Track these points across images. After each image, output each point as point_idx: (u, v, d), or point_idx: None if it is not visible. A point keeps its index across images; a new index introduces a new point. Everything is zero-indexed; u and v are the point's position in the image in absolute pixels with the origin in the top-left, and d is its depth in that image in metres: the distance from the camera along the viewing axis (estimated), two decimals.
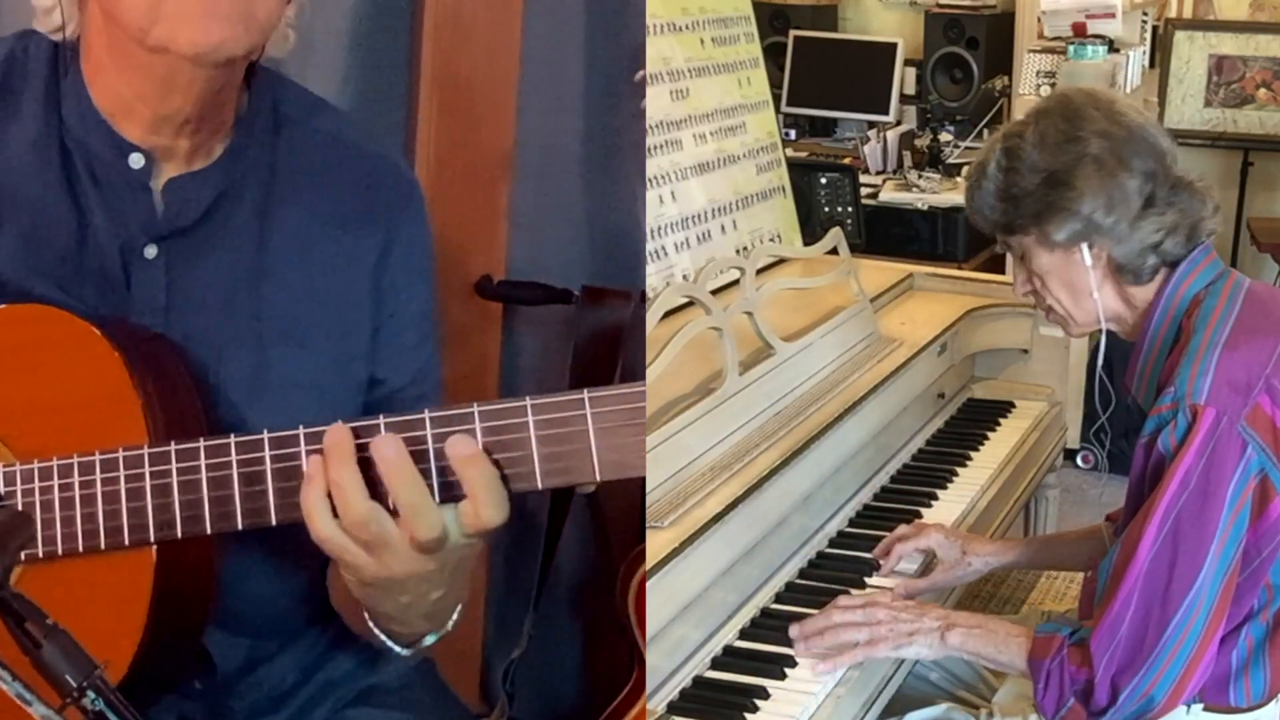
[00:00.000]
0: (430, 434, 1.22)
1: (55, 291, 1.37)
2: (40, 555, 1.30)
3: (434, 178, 2.15)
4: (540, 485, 1.21)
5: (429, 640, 1.40)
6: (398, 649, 1.40)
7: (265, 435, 1.25)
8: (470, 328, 2.22)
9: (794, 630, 1.68)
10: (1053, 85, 4.04)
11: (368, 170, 1.52)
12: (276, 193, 1.46)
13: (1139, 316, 1.66)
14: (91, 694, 1.03)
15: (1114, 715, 1.53)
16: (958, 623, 1.66)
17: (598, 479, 1.19)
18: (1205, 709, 1.61)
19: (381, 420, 1.23)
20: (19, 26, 1.47)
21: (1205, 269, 1.63)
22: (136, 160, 1.38)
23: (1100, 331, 1.70)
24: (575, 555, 2.36)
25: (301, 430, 1.25)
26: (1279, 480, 1.51)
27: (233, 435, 1.27)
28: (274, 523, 1.26)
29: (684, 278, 2.13)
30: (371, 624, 1.37)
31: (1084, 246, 1.62)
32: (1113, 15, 3.92)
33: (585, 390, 1.20)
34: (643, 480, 1.63)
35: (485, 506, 1.20)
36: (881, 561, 1.90)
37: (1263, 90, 4.55)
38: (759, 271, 2.15)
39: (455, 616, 1.39)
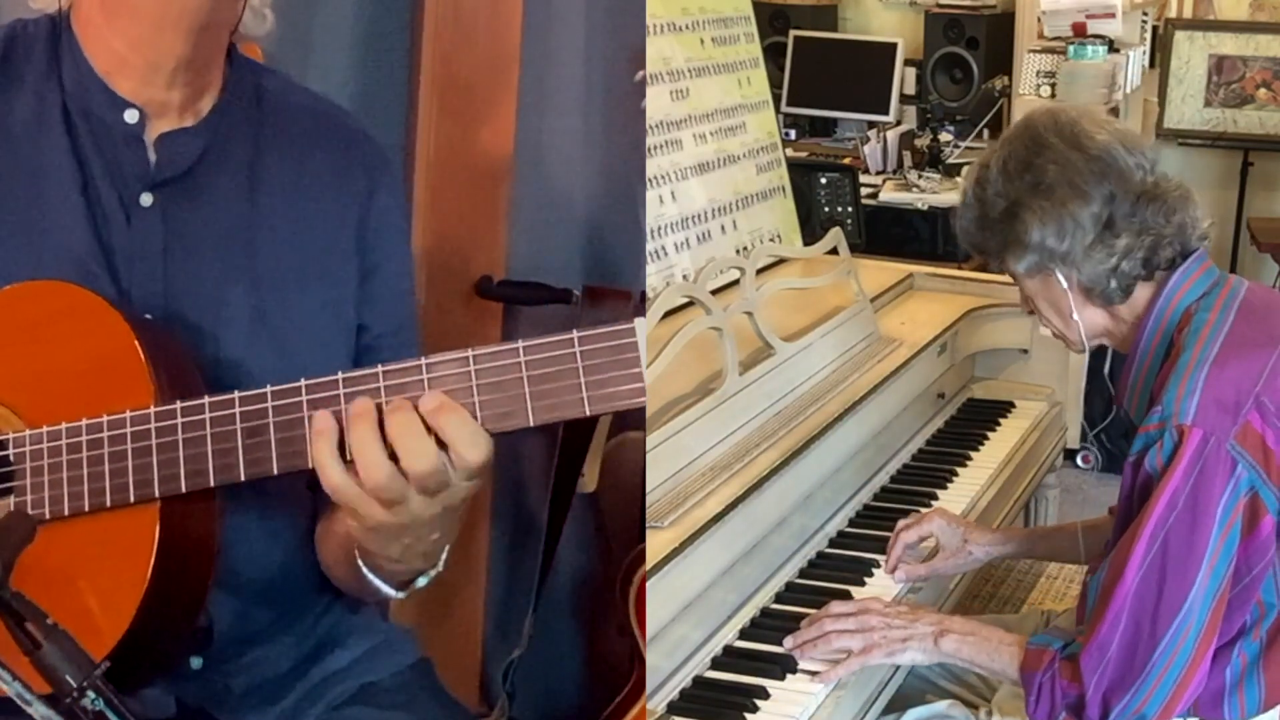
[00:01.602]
0: (426, 379, 1.26)
1: (67, 246, 1.45)
2: (47, 517, 1.34)
3: (434, 178, 2.15)
4: (531, 422, 1.26)
5: (421, 582, 1.44)
6: (392, 591, 1.44)
7: (268, 389, 1.30)
8: (470, 327, 2.22)
9: (788, 641, 1.68)
10: (1053, 85, 4.05)
11: (346, 138, 1.63)
12: (263, 150, 1.56)
13: (1130, 329, 1.66)
14: (91, 694, 1.03)
15: None
16: (951, 629, 1.66)
17: (587, 413, 1.25)
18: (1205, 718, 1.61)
19: (380, 369, 1.27)
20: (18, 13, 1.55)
21: (1199, 280, 1.62)
22: (131, 115, 1.48)
23: (1099, 343, 1.71)
24: (575, 555, 2.36)
25: (303, 382, 1.29)
26: (1269, 498, 1.51)
27: (236, 392, 1.31)
28: (275, 471, 1.30)
29: (684, 278, 2.13)
30: (366, 570, 1.41)
31: (1053, 273, 1.62)
32: (1113, 15, 3.92)
33: (575, 331, 1.26)
34: (643, 480, 1.64)
35: (463, 449, 1.25)
36: (884, 561, 1.90)
37: (1263, 90, 4.55)
38: (759, 271, 2.15)
39: (445, 556, 1.43)
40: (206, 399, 1.32)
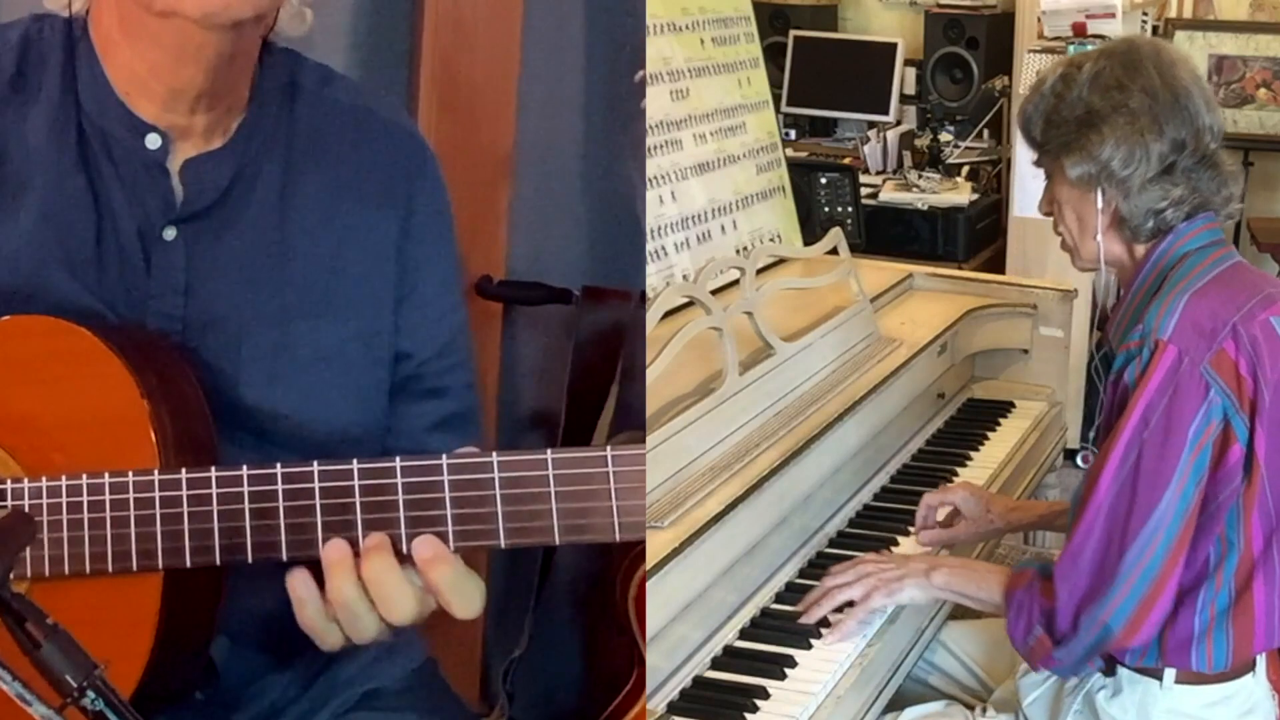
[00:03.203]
0: (447, 480, 1.21)
1: (72, 280, 1.36)
2: (47, 574, 1.29)
3: None
4: (558, 541, 1.20)
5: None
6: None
7: (279, 469, 1.25)
8: (471, 327, 2.22)
9: (800, 607, 1.74)
10: None
11: (386, 139, 1.52)
12: (295, 166, 1.45)
13: (1135, 267, 1.69)
14: (91, 694, 1.03)
15: (1074, 644, 1.57)
16: (942, 564, 1.74)
17: (617, 539, 1.19)
18: (1178, 681, 1.63)
19: (398, 462, 1.22)
20: (21, 13, 1.47)
21: (1204, 233, 1.65)
22: (153, 140, 1.38)
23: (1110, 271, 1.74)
24: (575, 555, 2.35)
25: (316, 466, 1.24)
26: (1239, 426, 1.54)
27: (245, 467, 1.26)
28: (285, 558, 1.25)
29: (684, 278, 2.13)
30: None
31: (1097, 191, 1.64)
32: (1113, 15, 3.92)
33: (609, 447, 1.19)
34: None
35: (454, 605, 1.23)
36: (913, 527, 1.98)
37: (1263, 90, 4.55)
38: (759, 271, 2.14)
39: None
40: (214, 471, 1.25)
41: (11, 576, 1.06)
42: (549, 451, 1.19)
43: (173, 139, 1.39)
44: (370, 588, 1.22)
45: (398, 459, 1.22)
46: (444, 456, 1.21)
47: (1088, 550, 1.55)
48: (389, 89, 2.15)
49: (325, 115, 1.48)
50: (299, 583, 1.24)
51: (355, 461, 1.23)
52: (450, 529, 1.22)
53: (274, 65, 1.46)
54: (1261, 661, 1.68)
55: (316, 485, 1.23)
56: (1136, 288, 1.67)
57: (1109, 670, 1.66)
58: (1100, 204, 1.64)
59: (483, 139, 2.21)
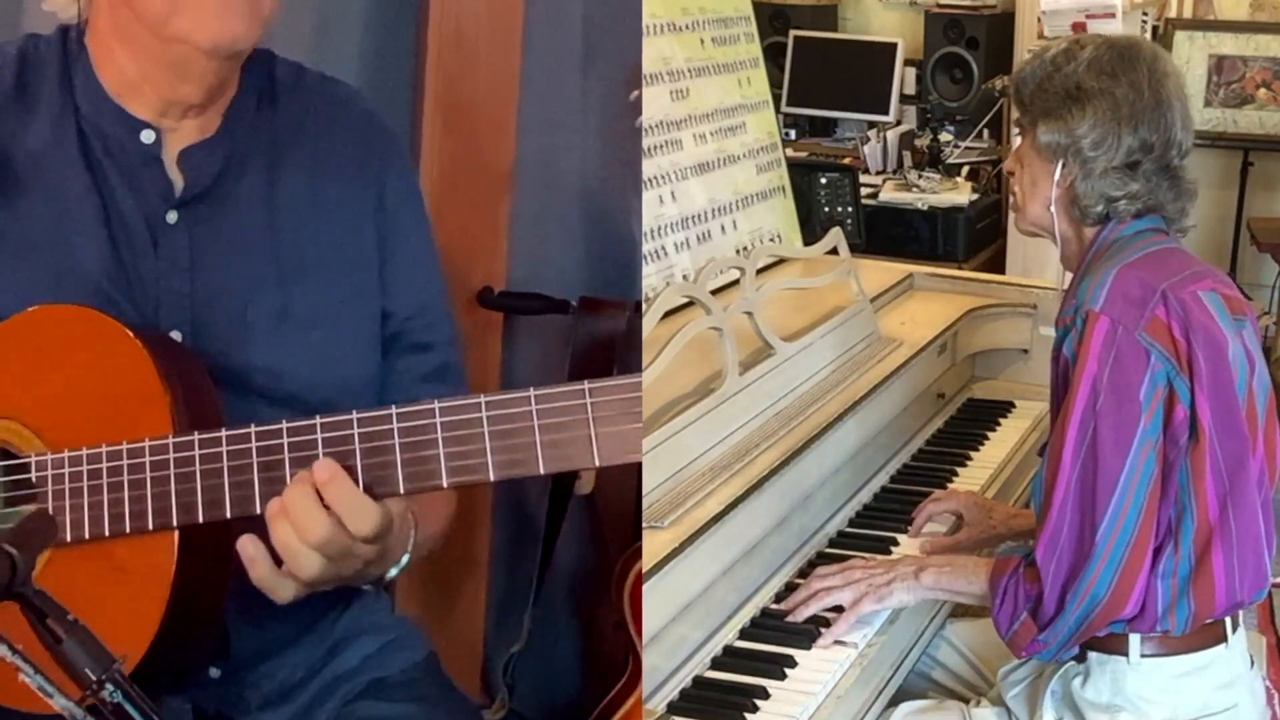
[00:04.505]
0: (439, 422, 1.28)
1: (88, 270, 1.45)
2: (68, 539, 1.36)
3: (438, 193, 2.18)
4: (542, 471, 1.27)
5: (393, 573, 1.48)
6: (366, 586, 1.49)
7: (284, 425, 1.32)
8: (472, 336, 2.24)
9: (786, 605, 1.75)
10: None
11: (356, 124, 1.64)
12: (279, 151, 1.56)
13: (1082, 250, 1.73)
14: (110, 687, 1.06)
15: (1062, 622, 1.59)
16: (929, 563, 1.75)
17: (597, 464, 1.26)
18: (1144, 655, 1.64)
19: (394, 410, 1.29)
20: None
21: (1144, 220, 1.69)
22: (147, 136, 1.49)
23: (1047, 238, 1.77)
24: (573, 553, 2.37)
25: (318, 420, 1.31)
26: (1181, 388, 1.58)
27: (253, 425, 1.33)
28: None
29: (684, 278, 2.14)
30: None
31: (1059, 163, 1.69)
32: (1113, 15, 3.93)
33: (585, 381, 1.26)
34: (638, 478, 1.65)
35: (348, 521, 1.29)
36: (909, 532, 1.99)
37: (1263, 90, 4.56)
38: (759, 271, 2.15)
39: (408, 553, 1.47)
40: (224, 432, 1.33)
41: None
42: (531, 390, 1.27)
43: (166, 132, 1.50)
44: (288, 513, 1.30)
45: (393, 407, 1.30)
46: (435, 401, 1.29)
47: (1064, 529, 1.58)
48: (394, 109, 2.19)
49: (301, 105, 1.60)
50: (249, 542, 1.32)
51: (355, 413, 1.31)
52: (443, 466, 1.29)
53: (254, 64, 1.57)
54: (1240, 637, 1.70)
55: (319, 436, 1.31)
56: (1080, 271, 1.71)
57: (1079, 656, 1.68)
58: (1058, 176, 1.70)
59: (484, 156, 2.25)
